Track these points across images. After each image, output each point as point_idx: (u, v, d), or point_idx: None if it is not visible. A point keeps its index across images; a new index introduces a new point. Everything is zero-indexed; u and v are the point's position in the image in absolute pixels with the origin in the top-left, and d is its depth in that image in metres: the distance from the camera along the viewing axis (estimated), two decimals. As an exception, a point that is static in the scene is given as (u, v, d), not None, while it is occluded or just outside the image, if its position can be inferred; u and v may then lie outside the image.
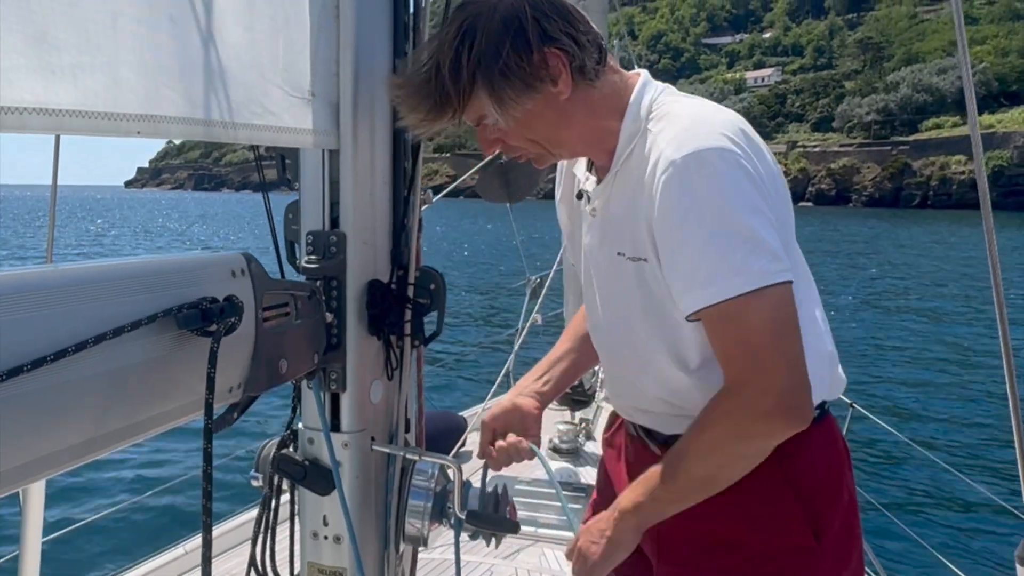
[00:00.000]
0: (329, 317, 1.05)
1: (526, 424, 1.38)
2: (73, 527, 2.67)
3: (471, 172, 4.96)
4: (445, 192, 4.59)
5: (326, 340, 1.05)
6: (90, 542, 4.56)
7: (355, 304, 1.09)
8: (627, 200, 1.14)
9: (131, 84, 0.75)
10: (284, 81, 0.98)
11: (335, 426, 1.12)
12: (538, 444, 1.37)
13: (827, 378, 1.21)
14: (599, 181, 1.22)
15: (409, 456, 1.17)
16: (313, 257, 1.07)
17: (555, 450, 3.65)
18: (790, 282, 1.04)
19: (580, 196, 1.30)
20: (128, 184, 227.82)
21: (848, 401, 3.61)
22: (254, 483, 1.18)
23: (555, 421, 3.72)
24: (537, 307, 4.55)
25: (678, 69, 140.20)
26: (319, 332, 1.00)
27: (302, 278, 1.07)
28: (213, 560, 1.07)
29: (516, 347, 4.31)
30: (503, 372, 4.13)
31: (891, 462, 6.71)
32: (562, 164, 1.38)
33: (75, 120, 0.70)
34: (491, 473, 1.31)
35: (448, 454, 3.51)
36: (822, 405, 1.22)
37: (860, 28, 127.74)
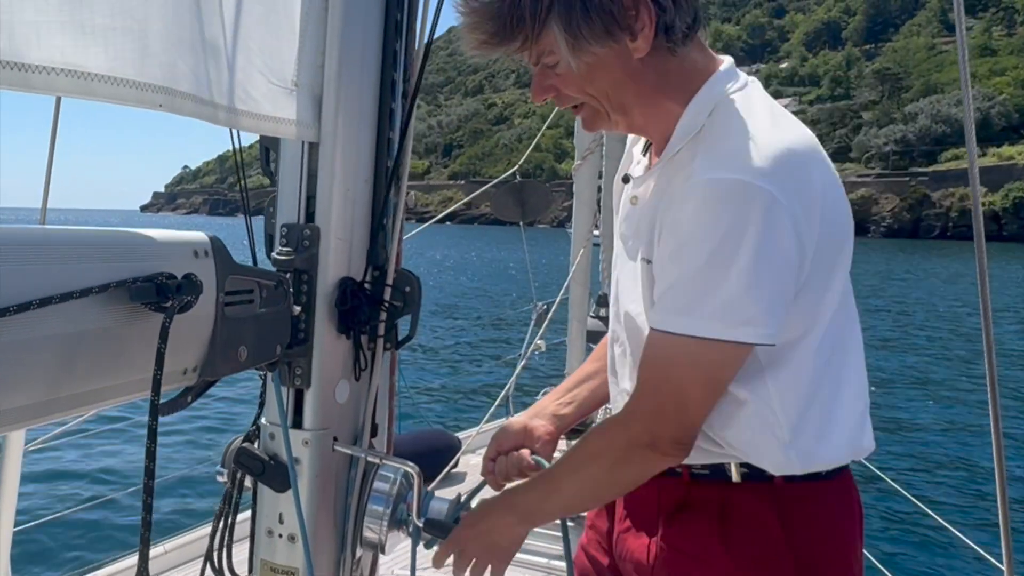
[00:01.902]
0: (296, 310, 1.04)
1: (536, 448, 1.29)
2: (48, 518, 2.67)
3: (479, 191, 4.99)
4: (431, 218, 4.61)
5: (292, 334, 1.04)
6: (67, 536, 4.54)
7: (325, 300, 1.08)
8: (660, 196, 1.05)
9: (156, 54, 0.74)
10: (267, 68, 0.98)
11: (298, 423, 1.10)
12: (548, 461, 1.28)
13: (855, 441, 1.11)
14: (649, 167, 1.13)
15: (370, 459, 1.15)
16: (285, 249, 1.07)
17: None
18: (750, 345, 0.98)
19: (626, 180, 1.19)
20: (143, 209, 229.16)
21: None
22: (219, 478, 1.17)
23: (566, 445, 3.65)
24: (540, 333, 4.53)
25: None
26: (283, 323, 0.99)
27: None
28: (189, 563, 1.08)
29: (517, 371, 4.28)
30: (501, 396, 4.09)
31: (896, 523, 6.57)
32: (631, 141, 1.27)
33: (103, 86, 0.68)
34: (485, 492, 1.27)
35: (439, 473, 3.47)
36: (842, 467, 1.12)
37: (878, 59, 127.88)
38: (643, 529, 1.16)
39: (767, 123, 1.01)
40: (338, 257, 1.09)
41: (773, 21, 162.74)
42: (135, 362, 0.74)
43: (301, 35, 1.03)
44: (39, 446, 2.32)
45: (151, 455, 0.71)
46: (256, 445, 1.14)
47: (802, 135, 1.02)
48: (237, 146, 1.08)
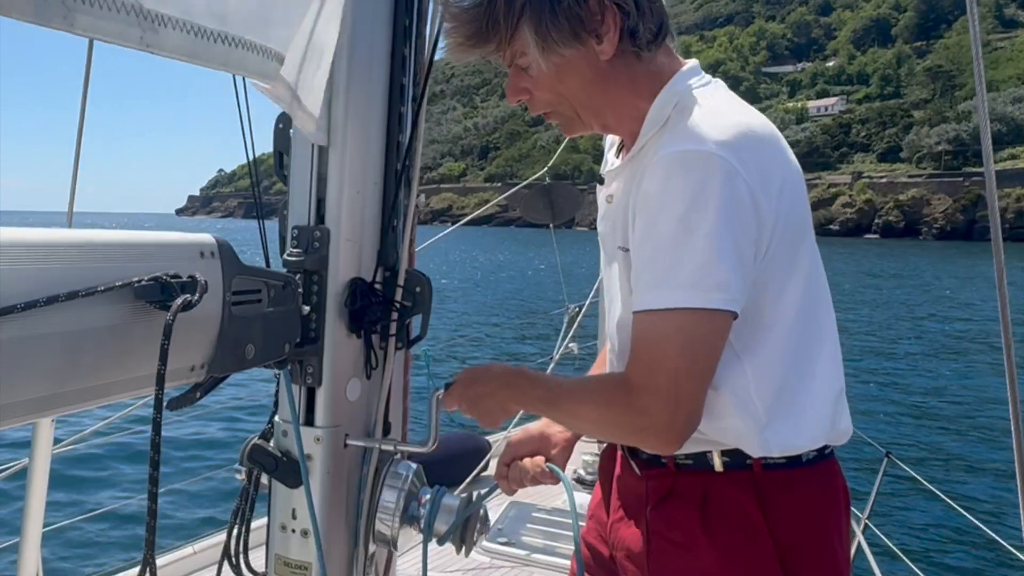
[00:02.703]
0: (306, 310, 1.07)
1: (550, 451, 1.33)
2: (78, 518, 2.72)
3: (509, 193, 5.00)
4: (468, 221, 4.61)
5: (303, 333, 1.07)
6: (96, 535, 4.65)
7: (335, 300, 1.10)
8: (631, 187, 1.10)
9: None
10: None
11: (310, 421, 1.13)
12: (562, 469, 1.30)
13: (828, 423, 1.14)
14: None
15: (384, 447, 1.17)
16: (296, 251, 1.09)
17: (580, 481, 3.56)
18: (731, 313, 1.00)
19: (601, 181, 1.24)
20: (179, 212, 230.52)
21: (883, 450, 3.50)
22: (237, 476, 1.20)
23: (581, 452, 3.64)
24: (571, 335, 4.51)
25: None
26: (292, 322, 1.01)
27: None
28: (214, 566, 1.12)
29: (548, 373, 4.26)
30: None
31: (921, 513, 6.44)
32: (607, 145, 1.32)
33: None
34: (511, 499, 1.29)
35: (468, 475, 3.48)
36: (822, 449, 1.16)
37: (929, 56, 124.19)
38: (633, 518, 1.20)
39: (728, 108, 1.07)
40: (348, 258, 1.12)
41: (819, 19, 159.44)
42: (141, 359, 0.77)
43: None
44: (67, 448, 2.38)
45: (156, 447, 0.74)
46: (270, 442, 1.17)
47: (763, 122, 1.07)
48: (251, 157, 1.11)
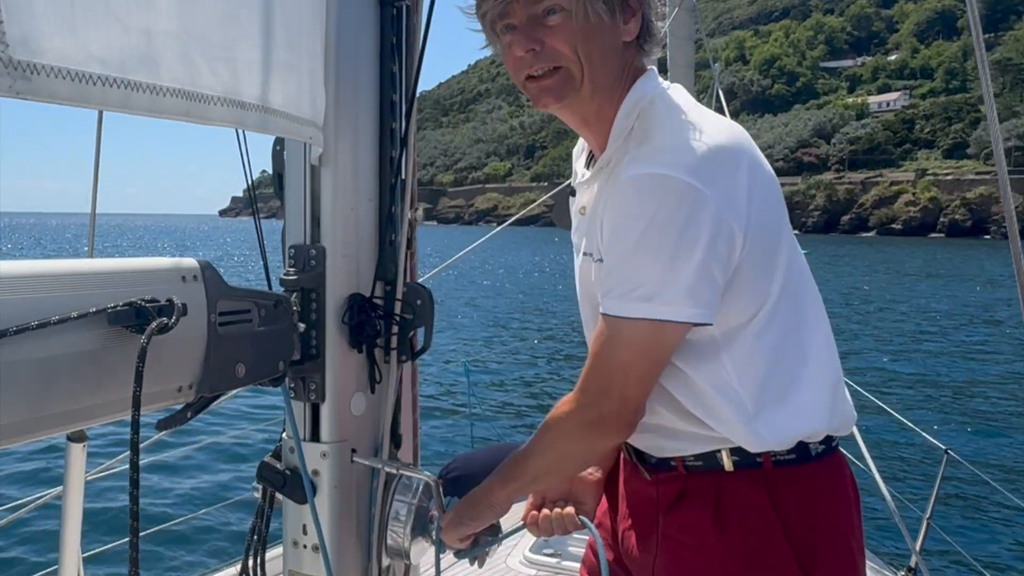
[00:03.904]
0: (302, 327, 1.08)
1: (580, 493, 1.30)
2: (117, 543, 2.71)
3: (551, 194, 4.97)
4: (515, 222, 4.57)
5: (303, 350, 1.08)
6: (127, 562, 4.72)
7: (334, 316, 1.12)
8: (601, 198, 1.13)
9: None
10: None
11: (316, 437, 1.14)
12: (592, 515, 1.29)
13: (827, 410, 1.14)
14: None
15: (388, 470, 1.18)
16: (292, 270, 1.11)
17: None
18: (682, 324, 1.04)
19: (573, 193, 1.26)
20: (222, 213, 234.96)
21: (943, 447, 3.37)
22: (255, 494, 1.21)
23: None
24: None
25: (793, 94, 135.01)
26: (285, 340, 1.02)
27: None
28: None
29: None
30: None
31: (983, 512, 6.21)
32: (575, 156, 1.32)
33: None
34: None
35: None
36: (829, 441, 1.15)
37: (998, 49, 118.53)
38: (644, 524, 1.20)
39: (691, 121, 1.07)
40: (345, 274, 1.13)
41: (880, 11, 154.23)
42: (122, 382, 0.78)
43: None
44: (100, 475, 2.41)
45: (135, 467, 0.75)
46: (281, 460, 1.18)
47: (725, 130, 1.08)
48: (250, 175, 1.13)
